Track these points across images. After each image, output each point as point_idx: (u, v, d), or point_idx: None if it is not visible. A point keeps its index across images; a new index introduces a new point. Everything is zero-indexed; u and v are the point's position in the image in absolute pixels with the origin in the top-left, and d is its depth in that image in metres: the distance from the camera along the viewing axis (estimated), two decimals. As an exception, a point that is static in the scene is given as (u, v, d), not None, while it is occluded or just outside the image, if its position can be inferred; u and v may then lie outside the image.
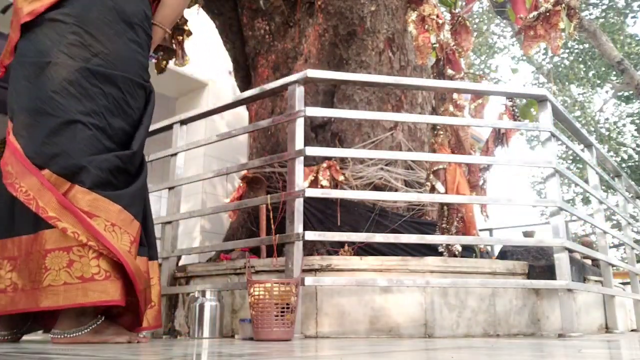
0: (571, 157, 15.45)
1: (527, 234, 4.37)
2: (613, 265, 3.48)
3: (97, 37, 1.84)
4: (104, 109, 1.83)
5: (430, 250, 3.37)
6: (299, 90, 2.67)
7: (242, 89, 4.76)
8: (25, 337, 1.96)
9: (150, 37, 2.05)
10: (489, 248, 4.98)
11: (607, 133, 15.81)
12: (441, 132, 3.96)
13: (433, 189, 3.64)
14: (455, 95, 4.23)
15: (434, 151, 3.99)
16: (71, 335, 1.69)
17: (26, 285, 1.70)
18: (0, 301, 1.73)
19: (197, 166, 6.18)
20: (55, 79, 1.78)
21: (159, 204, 7.00)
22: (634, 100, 15.09)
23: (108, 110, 1.83)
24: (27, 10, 1.86)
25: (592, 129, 15.64)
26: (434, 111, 4.39)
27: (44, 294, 1.65)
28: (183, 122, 3.29)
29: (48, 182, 1.70)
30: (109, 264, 1.70)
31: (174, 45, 4.36)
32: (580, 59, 15.42)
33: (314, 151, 2.62)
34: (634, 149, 15.55)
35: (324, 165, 3.61)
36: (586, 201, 15.52)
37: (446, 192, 3.68)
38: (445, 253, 3.39)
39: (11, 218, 1.77)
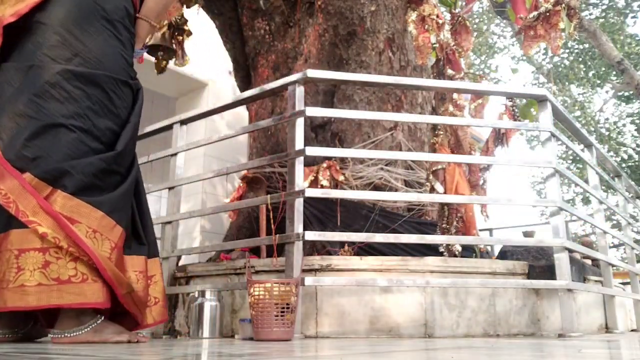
0: (571, 157, 15.45)
1: (527, 234, 4.37)
2: (613, 265, 3.48)
3: (77, 36, 1.83)
4: (88, 111, 1.81)
5: (431, 250, 3.37)
6: (299, 90, 2.67)
7: (242, 89, 4.76)
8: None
9: (133, 34, 2.02)
10: (489, 248, 4.99)
11: (607, 133, 15.81)
12: (441, 132, 3.96)
13: (433, 189, 3.65)
14: (455, 95, 4.24)
15: (434, 151, 3.99)
16: (71, 335, 1.69)
17: None
18: None
19: (197, 166, 6.18)
20: (37, 83, 1.77)
21: (159, 204, 7.00)
22: (634, 100, 15.09)
23: (92, 112, 1.82)
24: (11, 12, 1.83)
25: (592, 129, 15.64)
26: (434, 111, 4.38)
27: (14, 294, 1.61)
28: (183, 122, 3.29)
29: (29, 185, 1.67)
30: (86, 266, 1.68)
31: (174, 45, 4.36)
32: (580, 59, 15.42)
33: (314, 151, 2.62)
34: (634, 149, 15.55)
35: (324, 165, 3.61)
36: (586, 201, 15.51)
37: (445, 192, 3.68)
38: (445, 253, 3.39)
39: None
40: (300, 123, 2.61)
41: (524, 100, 5.46)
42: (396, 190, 3.72)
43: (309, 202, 3.43)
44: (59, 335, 1.70)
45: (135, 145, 1.99)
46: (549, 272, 2.74)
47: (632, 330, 3.94)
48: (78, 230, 1.67)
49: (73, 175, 1.71)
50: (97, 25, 1.87)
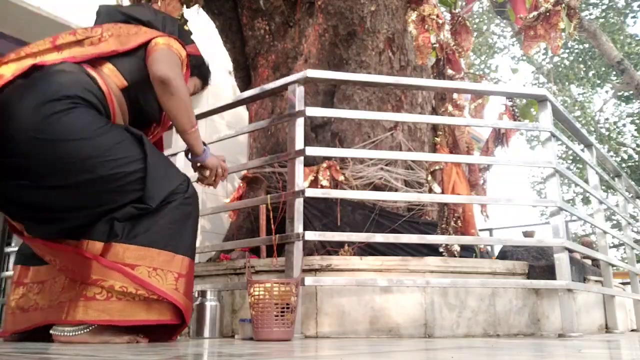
0: (571, 157, 15.45)
1: (527, 234, 4.37)
2: (613, 265, 3.49)
3: (43, 135, 1.66)
4: (104, 196, 1.77)
5: (431, 250, 3.37)
6: (299, 90, 2.67)
7: (242, 89, 4.76)
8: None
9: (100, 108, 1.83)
10: (489, 248, 4.99)
11: (607, 133, 15.81)
12: (440, 132, 3.96)
13: (431, 191, 3.65)
14: (455, 95, 4.24)
15: (435, 151, 3.99)
16: (70, 335, 1.70)
17: (44, 305, 1.81)
18: (20, 318, 1.86)
19: (197, 166, 6.17)
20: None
21: (159, 204, 6.98)
22: (634, 100, 15.08)
23: (111, 193, 1.77)
24: None
25: (592, 129, 15.64)
26: (434, 111, 4.38)
27: (53, 310, 1.75)
28: (183, 122, 3.28)
29: (82, 250, 1.74)
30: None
31: (174, 45, 4.35)
32: (580, 59, 15.42)
33: (314, 151, 2.62)
34: (634, 149, 15.55)
35: (324, 165, 3.61)
36: (586, 201, 15.52)
37: (443, 192, 3.68)
38: (444, 253, 3.39)
39: None
40: (300, 123, 2.60)
41: (524, 100, 5.46)
42: (396, 190, 3.72)
43: (309, 202, 3.43)
44: (59, 333, 1.72)
45: (168, 176, 1.90)
46: (549, 272, 2.74)
47: (632, 330, 3.95)
48: (139, 274, 1.73)
49: (119, 225, 1.76)
50: (60, 105, 1.69)
